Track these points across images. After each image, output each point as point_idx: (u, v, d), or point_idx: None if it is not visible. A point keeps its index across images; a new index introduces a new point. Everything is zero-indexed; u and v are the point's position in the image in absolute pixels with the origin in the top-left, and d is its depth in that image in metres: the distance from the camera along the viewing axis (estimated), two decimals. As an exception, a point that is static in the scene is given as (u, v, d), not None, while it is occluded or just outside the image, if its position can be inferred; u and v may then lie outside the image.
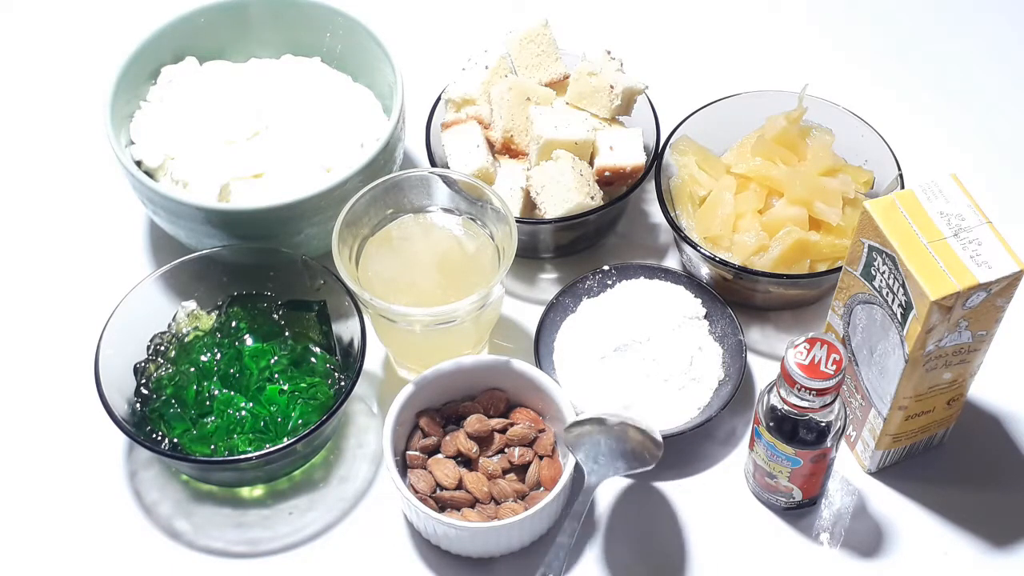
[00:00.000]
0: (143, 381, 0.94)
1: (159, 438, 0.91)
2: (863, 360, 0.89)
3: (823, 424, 0.84)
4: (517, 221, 0.94)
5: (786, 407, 0.84)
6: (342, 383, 0.93)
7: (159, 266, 0.99)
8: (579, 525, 0.86)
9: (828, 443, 0.85)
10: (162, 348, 0.95)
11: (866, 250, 0.84)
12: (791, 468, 0.87)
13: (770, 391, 0.86)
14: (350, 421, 0.98)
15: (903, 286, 0.80)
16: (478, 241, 0.96)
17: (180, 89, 1.07)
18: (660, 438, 0.87)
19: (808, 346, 0.81)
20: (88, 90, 1.15)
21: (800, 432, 0.85)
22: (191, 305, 0.97)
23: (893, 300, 0.82)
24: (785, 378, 0.82)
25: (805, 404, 0.82)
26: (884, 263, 0.82)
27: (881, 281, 0.83)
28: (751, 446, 0.91)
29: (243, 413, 0.91)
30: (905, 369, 0.83)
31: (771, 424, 0.86)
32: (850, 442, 0.95)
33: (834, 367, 0.80)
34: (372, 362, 1.01)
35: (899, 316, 0.82)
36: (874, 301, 0.85)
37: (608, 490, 0.95)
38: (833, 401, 0.83)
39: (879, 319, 0.85)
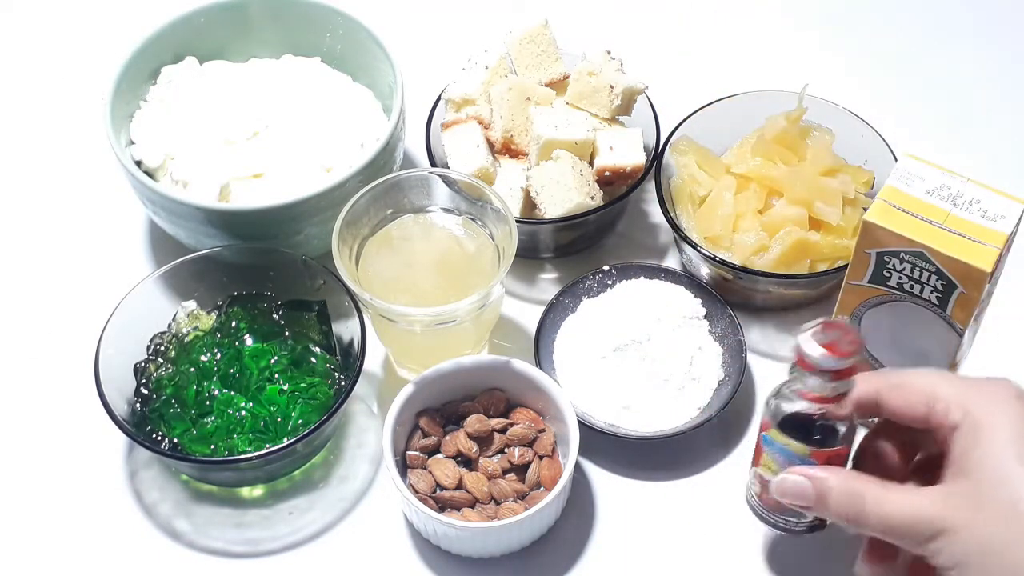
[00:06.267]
0: (143, 381, 0.94)
1: (159, 438, 0.91)
2: (889, 357, 0.90)
3: (839, 418, 0.81)
4: (517, 221, 0.94)
5: (802, 401, 0.79)
6: (342, 383, 0.93)
7: (159, 266, 0.99)
8: None
9: (843, 441, 0.82)
10: (162, 348, 0.95)
11: (873, 259, 0.85)
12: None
13: (780, 392, 0.82)
14: (350, 421, 0.98)
15: (936, 273, 0.82)
16: (478, 241, 0.96)
17: (180, 89, 1.07)
18: None
19: (822, 329, 0.77)
20: (88, 90, 1.15)
21: (816, 430, 0.81)
22: (191, 305, 0.97)
23: (923, 290, 0.84)
24: (802, 365, 0.77)
25: (827, 389, 0.77)
26: (902, 262, 0.83)
27: (901, 279, 0.84)
28: (755, 462, 0.87)
29: (243, 413, 0.91)
30: (960, 343, 0.85)
31: (784, 424, 0.81)
32: None
33: (852, 347, 0.76)
34: (372, 362, 1.01)
35: (935, 300, 0.84)
36: (895, 299, 0.86)
37: (608, 490, 0.95)
38: (850, 390, 0.79)
39: (907, 312, 0.86)
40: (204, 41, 1.10)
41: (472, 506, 0.90)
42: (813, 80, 1.05)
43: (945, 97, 1.20)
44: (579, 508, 0.93)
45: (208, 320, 0.97)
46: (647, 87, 1.05)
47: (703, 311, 0.99)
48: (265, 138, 1.04)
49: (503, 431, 0.93)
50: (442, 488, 0.91)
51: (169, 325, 0.96)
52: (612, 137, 1.03)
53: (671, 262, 1.07)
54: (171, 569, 0.92)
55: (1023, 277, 0.94)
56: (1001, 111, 1.19)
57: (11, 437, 0.99)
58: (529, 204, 1.02)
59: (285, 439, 0.90)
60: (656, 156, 1.04)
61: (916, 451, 0.81)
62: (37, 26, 1.29)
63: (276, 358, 0.93)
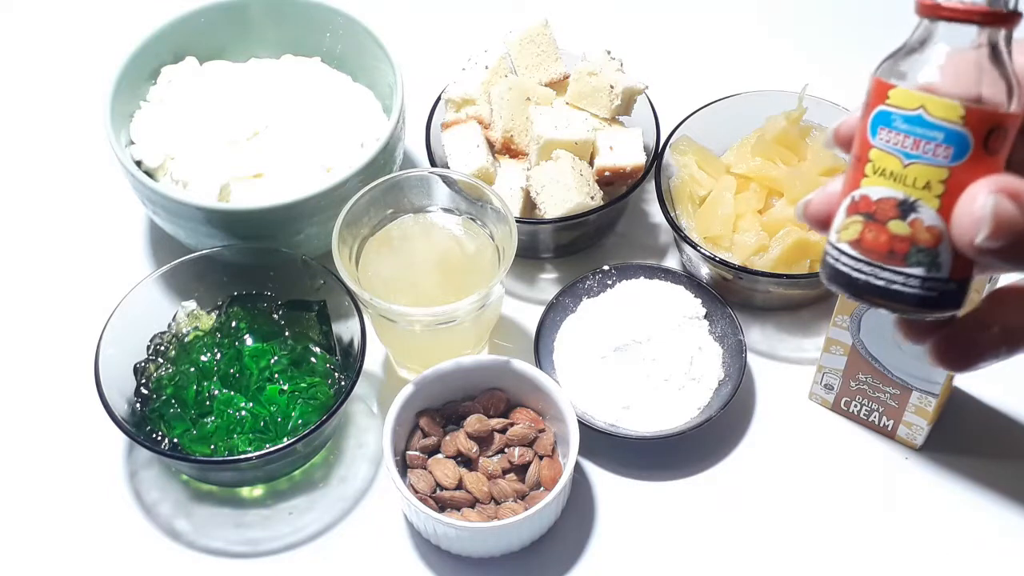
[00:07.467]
0: (143, 381, 0.94)
1: (159, 438, 0.91)
2: (889, 356, 0.90)
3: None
4: (517, 221, 0.94)
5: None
6: (342, 383, 0.93)
7: (159, 266, 0.99)
8: None
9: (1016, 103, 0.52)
10: (162, 348, 0.95)
11: None
12: (950, 166, 0.52)
13: (901, 49, 0.57)
14: (350, 421, 0.98)
15: None
16: (478, 241, 0.96)
17: (180, 89, 1.07)
18: None
19: None
20: (88, 90, 1.15)
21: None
22: (191, 305, 0.97)
23: None
24: None
25: None
26: None
27: None
28: (854, 181, 0.57)
29: (243, 413, 0.91)
30: None
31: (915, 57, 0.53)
32: (888, 432, 0.96)
33: None
34: (372, 362, 1.01)
35: None
36: None
37: (608, 490, 0.95)
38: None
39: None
40: (204, 41, 1.10)
41: (472, 506, 0.90)
42: (813, 80, 1.05)
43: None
44: (579, 508, 0.93)
45: (208, 320, 0.97)
46: (647, 87, 1.05)
47: (703, 311, 0.99)
48: (265, 138, 1.04)
49: (503, 431, 0.93)
50: (442, 488, 0.91)
51: (169, 325, 0.96)
52: (612, 137, 1.03)
53: (671, 262, 1.07)
54: (171, 569, 0.92)
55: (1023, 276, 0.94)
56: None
57: (11, 437, 0.99)
58: (529, 204, 1.02)
59: (285, 439, 0.90)
60: (656, 156, 1.04)
61: None
62: (37, 26, 1.29)
63: (276, 358, 0.93)
